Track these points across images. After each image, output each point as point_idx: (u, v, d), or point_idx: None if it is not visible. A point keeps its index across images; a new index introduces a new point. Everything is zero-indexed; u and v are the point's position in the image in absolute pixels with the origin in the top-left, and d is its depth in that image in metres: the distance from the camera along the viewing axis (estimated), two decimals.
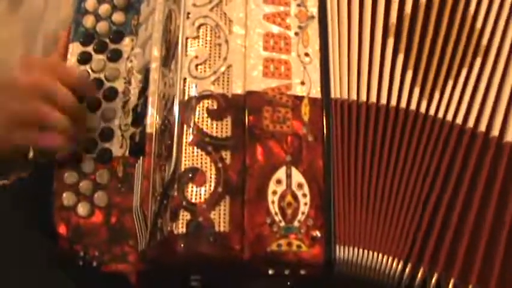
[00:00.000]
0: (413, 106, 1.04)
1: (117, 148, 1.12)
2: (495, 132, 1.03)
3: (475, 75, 1.06)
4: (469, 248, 0.99)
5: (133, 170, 1.10)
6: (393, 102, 1.03)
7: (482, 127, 1.03)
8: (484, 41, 1.07)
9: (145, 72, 1.11)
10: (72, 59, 1.16)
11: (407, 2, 1.08)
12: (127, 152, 1.12)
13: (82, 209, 1.10)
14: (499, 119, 1.03)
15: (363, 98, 1.02)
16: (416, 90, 1.04)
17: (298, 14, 1.02)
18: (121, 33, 1.17)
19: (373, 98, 1.03)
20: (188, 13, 1.01)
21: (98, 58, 1.16)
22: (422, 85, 1.05)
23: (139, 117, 1.10)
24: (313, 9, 1.03)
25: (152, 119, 1.07)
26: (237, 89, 0.99)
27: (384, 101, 1.03)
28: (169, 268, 1.01)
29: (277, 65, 1.00)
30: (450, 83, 1.05)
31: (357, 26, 1.05)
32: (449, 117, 1.04)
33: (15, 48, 1.24)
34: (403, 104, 1.04)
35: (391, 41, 1.06)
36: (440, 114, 1.04)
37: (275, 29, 1.01)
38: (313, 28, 1.02)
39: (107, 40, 1.17)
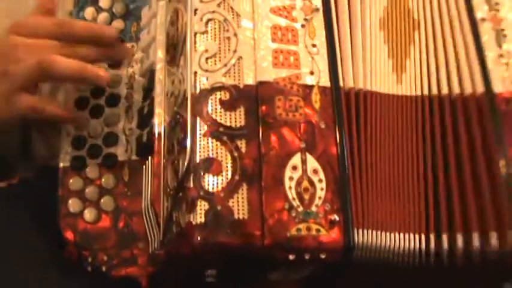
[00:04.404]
0: (413, 91, 1.07)
1: (122, 152, 1.12)
2: (456, 90, 1.07)
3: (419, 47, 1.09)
4: (477, 205, 1.01)
5: (139, 174, 1.10)
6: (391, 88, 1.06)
7: (445, 89, 1.07)
8: (416, 15, 1.10)
9: (150, 74, 1.11)
10: None
11: None
12: (132, 156, 1.12)
13: (89, 214, 1.10)
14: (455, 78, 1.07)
15: (368, 86, 1.04)
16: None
17: (304, 7, 1.05)
18: (121, 40, 1.17)
19: (377, 87, 1.05)
20: (195, 9, 1.03)
21: (99, 65, 1.16)
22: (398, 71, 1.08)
23: (145, 119, 1.11)
24: (317, 2, 1.05)
25: (160, 118, 1.07)
26: (249, 79, 1.00)
27: (386, 88, 1.05)
28: (185, 263, 1.01)
29: (286, 55, 1.02)
30: (408, 62, 1.08)
31: (359, 16, 1.07)
32: (430, 91, 1.07)
33: None
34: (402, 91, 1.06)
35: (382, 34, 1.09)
36: (423, 92, 1.07)
37: (282, 22, 1.03)
38: (318, 20, 1.05)
39: None
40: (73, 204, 1.10)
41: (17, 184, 1.14)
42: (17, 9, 1.20)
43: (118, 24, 1.19)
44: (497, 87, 1.06)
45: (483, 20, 1.10)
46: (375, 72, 1.06)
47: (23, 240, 1.10)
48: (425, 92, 1.07)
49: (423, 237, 1.00)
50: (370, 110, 1.04)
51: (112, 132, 1.13)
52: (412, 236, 1.00)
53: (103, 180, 1.12)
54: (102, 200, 1.11)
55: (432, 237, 1.01)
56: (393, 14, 1.09)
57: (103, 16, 1.19)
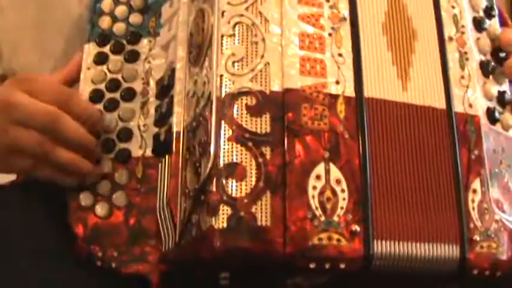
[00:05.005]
0: (436, 103, 1.08)
1: (136, 148, 1.12)
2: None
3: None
4: None
5: (153, 171, 1.10)
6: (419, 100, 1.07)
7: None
8: (414, 25, 1.11)
9: (170, 72, 1.11)
10: (88, 59, 1.15)
11: None
12: (147, 152, 1.11)
13: (100, 209, 1.09)
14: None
15: (394, 97, 1.05)
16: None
17: (331, 15, 1.05)
18: (138, 35, 1.17)
19: (403, 97, 1.06)
20: (223, 11, 1.02)
21: (115, 59, 1.15)
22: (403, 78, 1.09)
23: (163, 117, 1.10)
24: (345, 12, 1.05)
25: (179, 118, 1.07)
26: (275, 86, 1.00)
27: (414, 100, 1.06)
28: (202, 266, 1.01)
29: (313, 63, 1.02)
30: (411, 71, 1.09)
31: (388, 28, 1.08)
32: (433, 102, 1.08)
33: (26, 33, 1.22)
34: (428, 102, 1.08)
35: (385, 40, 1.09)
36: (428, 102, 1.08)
37: (310, 29, 1.03)
38: (345, 30, 1.05)
39: (124, 41, 1.17)
40: (84, 198, 1.10)
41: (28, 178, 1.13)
42: (45, 19, 1.19)
43: (135, 18, 1.18)
44: None
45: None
46: (380, 79, 1.06)
47: (33, 235, 1.09)
48: (430, 102, 1.08)
49: (439, 245, 1.02)
50: (383, 118, 1.04)
51: (126, 127, 1.12)
52: (430, 244, 1.02)
53: (116, 175, 1.11)
54: (114, 195, 1.10)
55: (454, 247, 1.02)
56: (394, 20, 1.09)
57: (121, 9, 1.18)
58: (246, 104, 0.99)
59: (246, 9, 1.02)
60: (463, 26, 1.13)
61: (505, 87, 1.16)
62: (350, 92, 1.03)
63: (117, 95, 1.14)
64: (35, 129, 1.05)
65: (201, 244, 0.98)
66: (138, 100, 1.14)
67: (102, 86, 1.14)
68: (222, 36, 1.02)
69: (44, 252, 1.08)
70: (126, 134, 1.12)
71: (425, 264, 1.02)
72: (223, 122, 0.99)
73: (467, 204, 1.06)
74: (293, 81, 1.00)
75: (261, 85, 1.00)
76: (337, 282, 1.03)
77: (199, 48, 1.06)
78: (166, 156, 1.08)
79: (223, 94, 1.00)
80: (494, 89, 1.14)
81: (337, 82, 1.02)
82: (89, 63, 1.15)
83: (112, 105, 1.13)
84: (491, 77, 1.15)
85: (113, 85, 1.14)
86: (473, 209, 1.06)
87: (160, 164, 1.09)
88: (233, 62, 1.01)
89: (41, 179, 1.09)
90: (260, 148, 0.98)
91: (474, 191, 1.07)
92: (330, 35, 1.04)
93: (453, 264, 1.04)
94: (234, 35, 1.02)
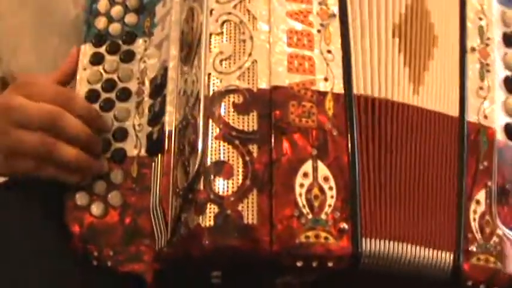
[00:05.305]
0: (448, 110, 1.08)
1: (131, 148, 1.12)
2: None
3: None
4: None
5: (147, 170, 1.10)
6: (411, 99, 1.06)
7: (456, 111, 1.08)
8: (436, 32, 1.10)
9: (163, 71, 1.11)
10: (84, 59, 1.16)
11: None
12: (141, 151, 1.12)
13: (96, 209, 1.10)
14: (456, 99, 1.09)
15: (384, 94, 1.04)
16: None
17: (320, 12, 1.04)
18: (134, 35, 1.17)
19: (392, 95, 1.05)
20: (212, 10, 1.02)
21: (111, 59, 1.16)
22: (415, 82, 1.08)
23: (156, 116, 1.10)
24: (334, 8, 1.05)
25: (171, 117, 1.07)
26: (262, 84, 1.00)
27: (425, 104, 1.06)
28: (190, 264, 1.01)
29: (301, 61, 1.01)
30: (426, 75, 1.08)
31: (376, 24, 1.06)
32: (445, 109, 1.08)
33: (25, 36, 1.23)
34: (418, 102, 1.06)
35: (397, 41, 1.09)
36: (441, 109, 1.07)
37: (298, 26, 1.03)
38: (335, 26, 1.04)
39: (120, 41, 1.17)
40: (80, 198, 1.10)
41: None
42: (43, 21, 1.21)
43: (131, 18, 1.18)
44: None
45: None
46: (389, 79, 1.05)
47: (30, 235, 1.10)
48: (442, 109, 1.07)
49: (433, 250, 1.01)
50: (385, 118, 1.03)
51: (122, 127, 1.13)
52: (422, 248, 1.00)
53: (111, 175, 1.11)
54: (109, 195, 1.10)
55: (447, 254, 1.01)
56: (411, 23, 1.08)
57: (116, 9, 1.18)
58: (233, 102, 0.99)
59: (234, 7, 1.02)
60: (488, 39, 1.13)
61: None
62: (339, 88, 1.02)
63: (112, 95, 1.14)
64: (37, 129, 1.06)
65: (189, 242, 0.98)
66: (133, 100, 1.14)
67: (98, 86, 1.15)
68: (211, 34, 1.02)
69: (42, 251, 1.09)
70: (122, 134, 1.12)
71: (415, 267, 1.01)
72: (210, 120, 0.99)
73: (468, 213, 1.04)
74: (281, 79, 1.00)
75: (248, 83, 1.00)
76: (328, 281, 1.02)
77: (190, 47, 1.06)
78: (159, 156, 1.08)
79: (211, 92, 1.00)
80: None
81: (326, 79, 1.02)
82: (85, 63, 1.16)
83: (108, 105, 1.14)
84: None
85: (109, 85, 1.15)
86: (474, 220, 1.05)
87: (153, 164, 1.09)
88: (221, 60, 1.01)
89: (44, 179, 1.09)
90: (247, 146, 0.98)
91: (477, 202, 1.06)
92: (318, 31, 1.03)
93: (445, 272, 1.02)
94: (222, 33, 1.02)
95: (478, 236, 1.04)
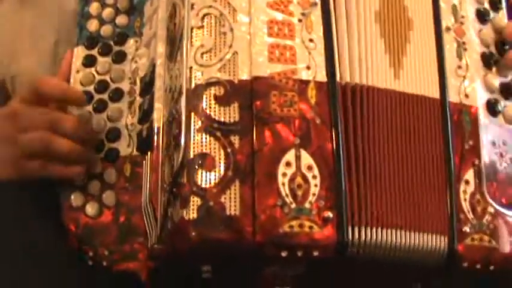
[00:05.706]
0: (429, 93, 1.06)
1: (125, 147, 1.12)
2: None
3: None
4: None
5: (140, 169, 1.10)
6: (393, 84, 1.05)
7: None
8: (410, 14, 1.09)
9: (151, 69, 1.11)
10: (77, 62, 1.17)
11: None
12: (134, 151, 1.12)
13: (91, 209, 1.10)
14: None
15: (365, 81, 1.03)
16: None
17: (301, 1, 1.04)
18: (125, 36, 1.18)
19: (374, 81, 1.04)
20: (192, 4, 1.02)
21: (103, 60, 1.17)
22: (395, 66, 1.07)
23: (145, 114, 1.11)
24: None
25: (159, 113, 1.08)
26: (243, 75, 0.99)
27: (406, 88, 1.05)
28: (180, 259, 1.01)
29: (282, 50, 1.01)
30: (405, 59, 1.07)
31: (356, 12, 1.06)
32: (426, 92, 1.07)
33: (24, 39, 1.25)
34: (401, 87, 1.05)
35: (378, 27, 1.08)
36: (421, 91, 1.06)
37: (279, 16, 1.02)
38: (316, 15, 1.03)
39: (111, 43, 1.18)
40: (75, 198, 1.11)
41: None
42: (42, 24, 1.22)
43: (122, 19, 1.19)
44: None
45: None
46: (371, 66, 1.04)
47: (25, 234, 1.11)
48: (423, 91, 1.06)
49: (424, 235, 0.99)
50: (367, 105, 1.02)
51: (115, 127, 1.13)
52: (413, 233, 0.99)
53: (105, 174, 1.12)
54: (104, 195, 1.11)
55: (441, 237, 1.00)
56: (388, 8, 1.07)
57: (107, 11, 1.19)
58: (215, 94, 0.99)
59: (215, 0, 1.02)
60: (462, 17, 1.11)
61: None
62: (321, 77, 1.01)
63: (105, 96, 1.15)
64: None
65: (176, 236, 0.98)
66: (125, 100, 1.15)
67: (91, 88, 1.16)
68: (192, 28, 1.02)
69: (37, 252, 1.10)
70: (115, 134, 1.13)
71: (408, 254, 1.00)
72: (193, 114, 0.99)
73: (458, 194, 1.03)
74: (262, 69, 1.00)
75: (229, 74, 1.00)
76: (319, 271, 1.01)
77: (173, 43, 1.06)
78: (149, 153, 1.08)
79: (192, 86, 0.99)
80: (496, 81, 1.11)
81: (308, 67, 1.01)
82: (78, 66, 1.17)
83: (101, 106, 1.14)
84: (493, 69, 1.12)
85: (102, 86, 1.15)
86: (465, 200, 1.03)
87: (144, 161, 1.09)
88: (202, 54, 1.00)
89: (52, 178, 1.11)
90: (229, 137, 0.97)
91: (467, 182, 1.04)
92: (299, 20, 1.03)
93: (440, 256, 1.01)
94: (203, 26, 1.02)
95: (470, 216, 1.02)
